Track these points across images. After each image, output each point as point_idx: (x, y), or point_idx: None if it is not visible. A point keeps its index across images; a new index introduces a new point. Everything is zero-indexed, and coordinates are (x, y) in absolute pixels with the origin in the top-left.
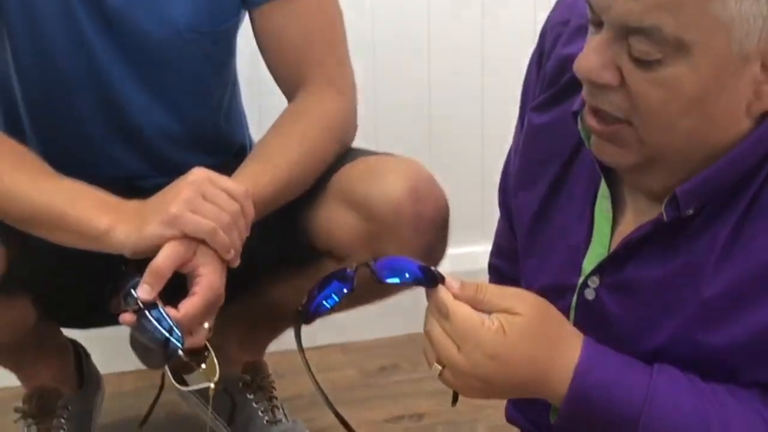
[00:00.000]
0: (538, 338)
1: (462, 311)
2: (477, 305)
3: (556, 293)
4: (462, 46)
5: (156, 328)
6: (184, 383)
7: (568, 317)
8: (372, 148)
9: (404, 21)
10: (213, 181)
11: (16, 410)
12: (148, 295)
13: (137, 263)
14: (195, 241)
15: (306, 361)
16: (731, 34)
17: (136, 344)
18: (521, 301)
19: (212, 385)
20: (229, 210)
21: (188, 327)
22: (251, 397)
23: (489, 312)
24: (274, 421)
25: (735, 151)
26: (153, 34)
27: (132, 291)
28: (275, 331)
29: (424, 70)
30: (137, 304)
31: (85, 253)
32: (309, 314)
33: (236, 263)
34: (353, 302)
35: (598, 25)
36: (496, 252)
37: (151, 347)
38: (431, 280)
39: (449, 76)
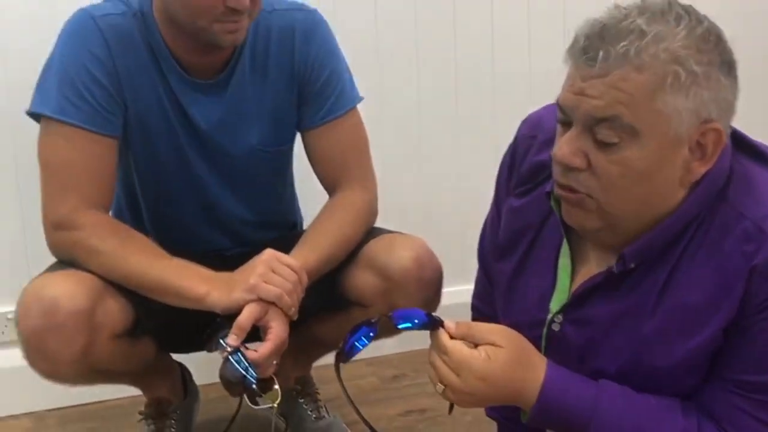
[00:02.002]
0: (515, 364)
1: (457, 348)
2: (468, 338)
3: (530, 327)
4: (449, 156)
5: (237, 368)
6: (256, 403)
7: (539, 344)
8: (386, 226)
9: (400, 134)
10: (279, 259)
11: (140, 413)
12: (234, 342)
13: (227, 316)
14: (267, 303)
15: (343, 385)
16: (670, 123)
17: (223, 378)
18: (502, 336)
19: (275, 406)
20: (291, 280)
21: (262, 364)
22: (302, 401)
23: (477, 344)
24: (320, 417)
25: (669, 219)
26: (233, 151)
27: (221, 340)
28: (317, 354)
29: (418, 180)
30: (225, 349)
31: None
32: (345, 354)
33: (295, 317)
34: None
35: (567, 124)
36: (476, 295)
37: (233, 381)
38: (434, 324)
39: (439, 180)
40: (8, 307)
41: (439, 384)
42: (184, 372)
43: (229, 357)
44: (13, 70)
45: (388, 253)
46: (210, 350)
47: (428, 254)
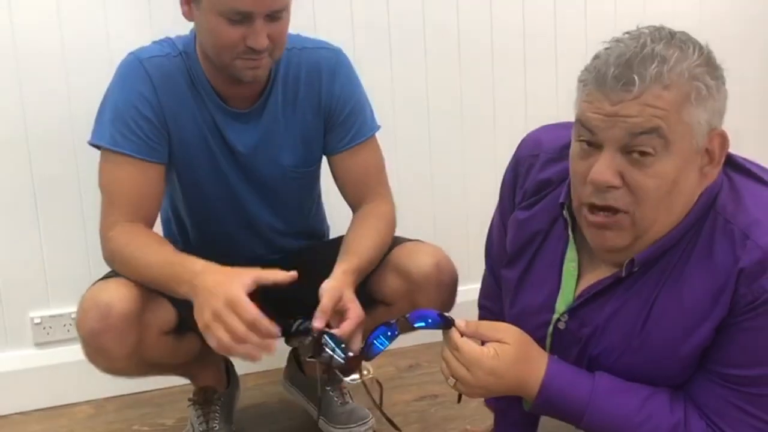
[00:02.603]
0: (520, 359)
1: (467, 345)
2: (477, 336)
3: (537, 327)
4: (450, 164)
5: (325, 350)
6: (346, 376)
7: (545, 342)
8: (402, 235)
9: (412, 157)
10: (234, 308)
11: (189, 399)
12: (320, 325)
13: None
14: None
15: (364, 383)
16: (693, 133)
17: (314, 359)
18: (507, 333)
19: (371, 376)
20: (242, 329)
21: (348, 339)
22: (328, 388)
23: (485, 341)
24: (345, 403)
25: (677, 228)
26: (267, 172)
27: (306, 327)
28: None
29: (428, 194)
30: (312, 335)
31: None
32: (366, 351)
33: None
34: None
35: (596, 147)
36: (484, 295)
37: (324, 360)
38: (446, 323)
39: (446, 195)
40: (73, 308)
41: (451, 378)
42: (227, 363)
43: (319, 339)
44: (76, 107)
45: (411, 258)
46: (291, 345)
47: (446, 260)
